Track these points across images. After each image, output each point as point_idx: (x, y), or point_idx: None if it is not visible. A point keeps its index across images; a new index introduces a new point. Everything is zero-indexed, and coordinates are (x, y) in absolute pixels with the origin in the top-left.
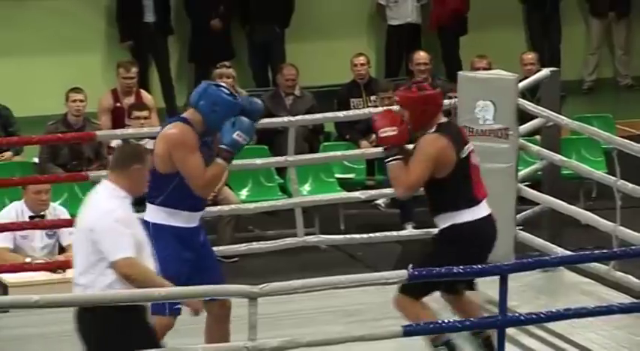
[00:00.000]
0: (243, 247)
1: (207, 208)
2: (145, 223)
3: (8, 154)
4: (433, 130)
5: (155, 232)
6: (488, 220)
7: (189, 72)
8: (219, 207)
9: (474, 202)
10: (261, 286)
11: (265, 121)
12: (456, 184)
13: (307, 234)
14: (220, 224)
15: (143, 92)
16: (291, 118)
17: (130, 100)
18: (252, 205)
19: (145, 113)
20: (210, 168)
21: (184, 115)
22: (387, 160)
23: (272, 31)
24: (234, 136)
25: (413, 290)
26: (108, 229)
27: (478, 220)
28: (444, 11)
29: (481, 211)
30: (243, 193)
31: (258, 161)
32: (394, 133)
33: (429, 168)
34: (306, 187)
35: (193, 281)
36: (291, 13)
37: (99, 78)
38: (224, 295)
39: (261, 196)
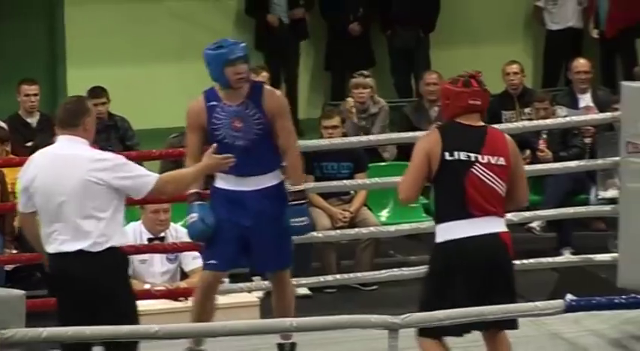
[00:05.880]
0: (383, 274)
1: (344, 231)
2: None
3: None
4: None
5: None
6: (475, 240)
7: (324, 81)
8: (356, 229)
9: (460, 216)
10: (403, 316)
11: (408, 135)
12: (441, 190)
13: None
14: (358, 249)
15: None
16: None
17: None
18: (392, 228)
19: None
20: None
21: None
22: None
23: (416, 35)
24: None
25: (427, 329)
26: None
27: (454, 240)
28: (629, 16)
29: (469, 228)
30: (384, 214)
31: (398, 179)
32: None
33: (415, 167)
34: None
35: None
36: (437, 15)
37: None
38: (363, 326)
39: (404, 218)
